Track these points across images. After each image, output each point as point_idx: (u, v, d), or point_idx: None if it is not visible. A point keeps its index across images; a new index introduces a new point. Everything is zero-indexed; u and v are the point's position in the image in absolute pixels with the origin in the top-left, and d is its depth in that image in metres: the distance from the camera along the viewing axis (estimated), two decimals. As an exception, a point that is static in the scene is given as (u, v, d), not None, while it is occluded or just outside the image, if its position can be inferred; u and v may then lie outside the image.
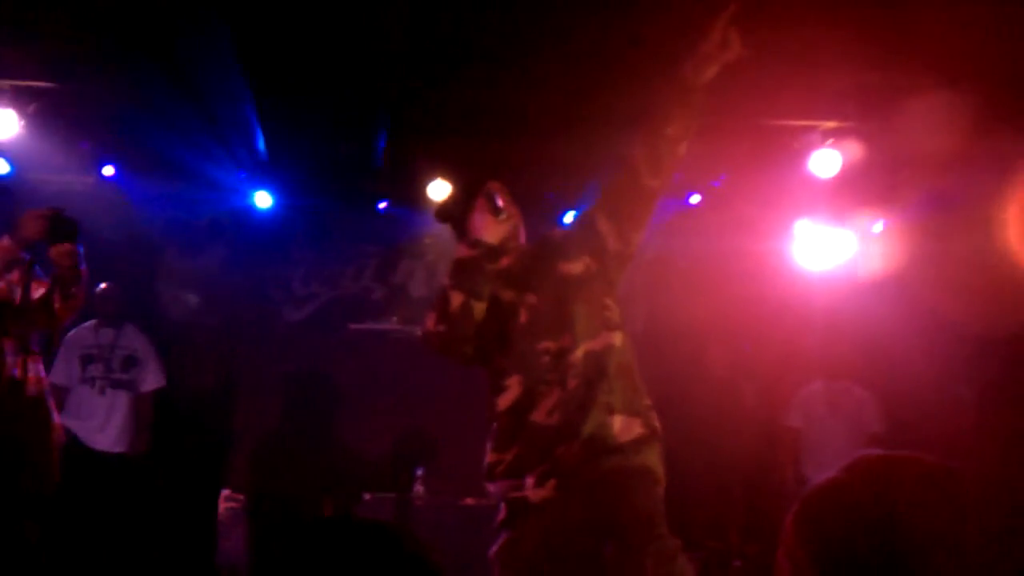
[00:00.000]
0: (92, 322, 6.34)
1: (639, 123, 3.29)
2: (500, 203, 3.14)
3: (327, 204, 7.32)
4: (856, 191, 6.61)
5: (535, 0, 4.65)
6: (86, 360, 6.32)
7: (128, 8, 4.76)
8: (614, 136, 5.63)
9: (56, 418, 4.64)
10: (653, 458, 3.11)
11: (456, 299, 3.09)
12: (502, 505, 3.16)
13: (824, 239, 6.92)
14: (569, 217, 6.95)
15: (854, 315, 6.54)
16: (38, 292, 4.41)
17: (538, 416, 3.08)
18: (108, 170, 6.59)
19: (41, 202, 4.61)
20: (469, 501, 6.36)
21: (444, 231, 3.44)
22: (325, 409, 7.23)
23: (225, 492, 6.73)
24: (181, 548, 6.51)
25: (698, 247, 6.90)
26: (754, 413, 6.73)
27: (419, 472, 6.71)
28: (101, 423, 6.28)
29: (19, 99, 5.64)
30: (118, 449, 6.29)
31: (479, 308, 3.11)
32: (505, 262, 3.22)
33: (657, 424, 3.16)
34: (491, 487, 3.19)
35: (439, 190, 6.53)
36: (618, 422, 3.07)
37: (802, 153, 6.27)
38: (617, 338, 3.18)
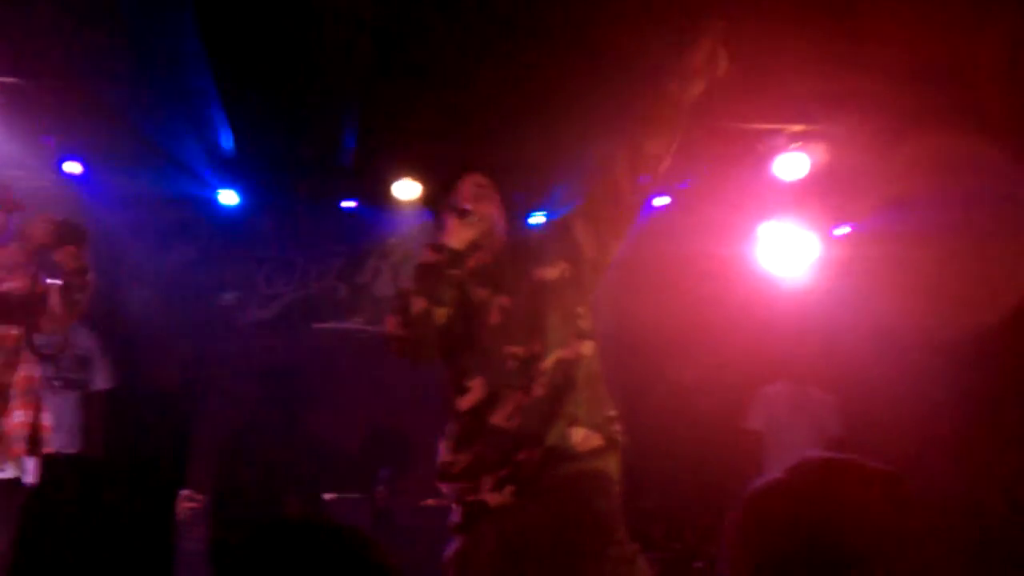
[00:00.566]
0: None
1: (621, 137, 3.30)
2: (467, 206, 3.14)
3: (293, 203, 7.27)
4: (821, 194, 6.66)
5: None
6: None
7: (94, 4, 4.72)
8: (583, 138, 5.67)
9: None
10: (611, 464, 3.10)
11: (417, 304, 3.08)
12: (455, 507, 3.15)
13: (789, 242, 6.96)
14: (536, 218, 6.96)
15: (818, 318, 6.59)
16: (43, 295, 4.34)
17: (498, 419, 3.06)
18: (73, 167, 6.50)
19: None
20: (431, 502, 6.35)
21: (410, 231, 3.44)
22: (289, 409, 7.18)
23: (185, 492, 6.67)
24: (139, 549, 6.44)
25: (664, 249, 6.91)
26: (717, 415, 6.74)
27: (383, 472, 6.69)
28: (54, 423, 6.21)
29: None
30: (71, 449, 6.21)
31: (440, 313, 3.09)
32: (475, 262, 3.20)
33: (619, 436, 3.15)
34: (445, 487, 3.17)
35: (406, 190, 6.53)
36: (579, 434, 3.06)
37: (767, 156, 6.30)
38: (587, 347, 3.18)
